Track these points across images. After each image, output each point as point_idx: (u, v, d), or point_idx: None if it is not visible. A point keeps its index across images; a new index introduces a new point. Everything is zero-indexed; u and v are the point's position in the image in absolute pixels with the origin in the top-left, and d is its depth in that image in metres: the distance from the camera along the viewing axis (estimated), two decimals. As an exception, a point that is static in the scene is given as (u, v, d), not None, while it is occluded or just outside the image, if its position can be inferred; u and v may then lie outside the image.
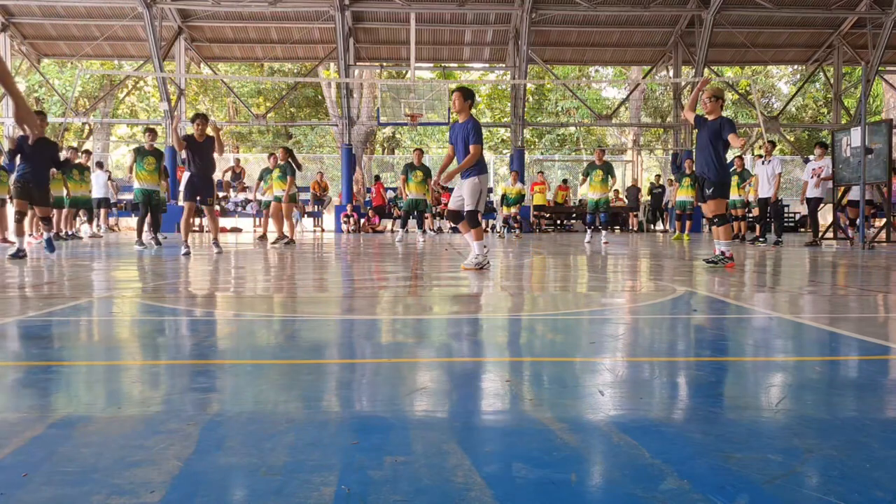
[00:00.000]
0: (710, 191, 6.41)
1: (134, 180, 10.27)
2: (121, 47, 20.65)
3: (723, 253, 6.36)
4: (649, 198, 20.42)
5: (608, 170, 11.58)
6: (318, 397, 1.81)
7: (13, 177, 7.59)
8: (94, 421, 1.57)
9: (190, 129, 12.04)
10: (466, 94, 5.95)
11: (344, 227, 19.05)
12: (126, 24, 18.58)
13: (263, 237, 11.47)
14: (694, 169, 14.21)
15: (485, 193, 6.13)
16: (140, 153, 10.14)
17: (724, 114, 6.44)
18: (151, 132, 10.38)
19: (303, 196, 19.96)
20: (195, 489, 1.16)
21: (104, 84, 25.92)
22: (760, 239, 11.80)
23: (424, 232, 13.78)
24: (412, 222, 13.55)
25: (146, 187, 10.05)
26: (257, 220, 18.56)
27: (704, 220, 18.91)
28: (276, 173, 11.29)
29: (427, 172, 12.84)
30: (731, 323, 3.19)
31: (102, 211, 15.19)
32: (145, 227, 10.09)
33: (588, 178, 11.79)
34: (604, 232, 11.75)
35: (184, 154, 8.24)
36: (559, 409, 1.66)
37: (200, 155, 8.24)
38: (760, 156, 12.86)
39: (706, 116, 6.45)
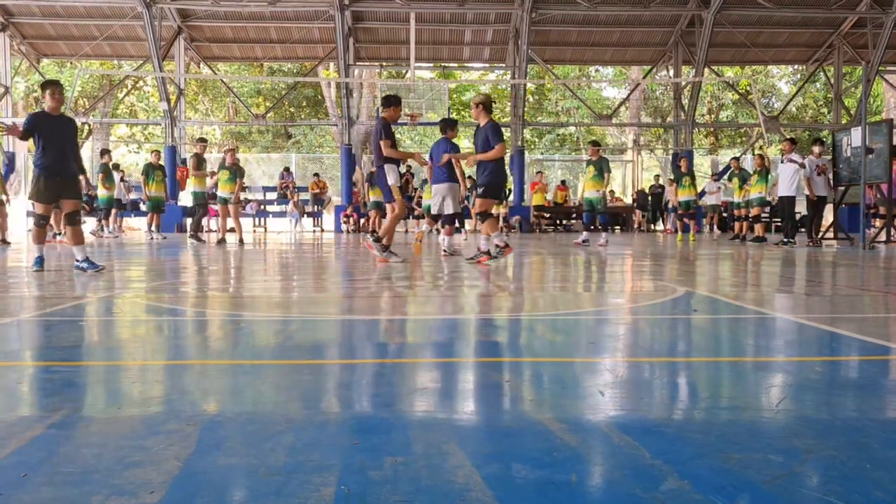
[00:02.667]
0: (480, 191, 6.87)
1: (190, 185, 12.27)
2: (120, 47, 20.63)
3: (486, 248, 6.79)
4: (650, 197, 20.44)
5: (600, 166, 10.84)
6: (317, 398, 1.81)
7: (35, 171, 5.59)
8: (94, 421, 1.57)
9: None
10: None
11: (344, 227, 19.05)
12: (125, 23, 18.56)
13: (223, 240, 11.16)
14: (690, 168, 14.15)
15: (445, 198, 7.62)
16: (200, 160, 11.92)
17: (494, 119, 6.86)
18: (203, 141, 12.39)
19: (302, 196, 19.98)
20: (195, 489, 1.15)
21: (104, 84, 25.90)
22: (787, 240, 10.90)
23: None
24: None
25: (198, 190, 11.92)
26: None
27: (705, 221, 18.90)
28: (226, 175, 11.20)
29: None
30: (731, 323, 3.19)
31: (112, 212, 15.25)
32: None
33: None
34: (603, 234, 11.24)
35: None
36: (559, 409, 1.66)
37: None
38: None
39: (479, 123, 6.81)
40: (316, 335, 2.90)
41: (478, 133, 6.76)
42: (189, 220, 16.53)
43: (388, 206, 7.23)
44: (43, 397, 1.84)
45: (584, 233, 11.30)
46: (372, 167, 15.17)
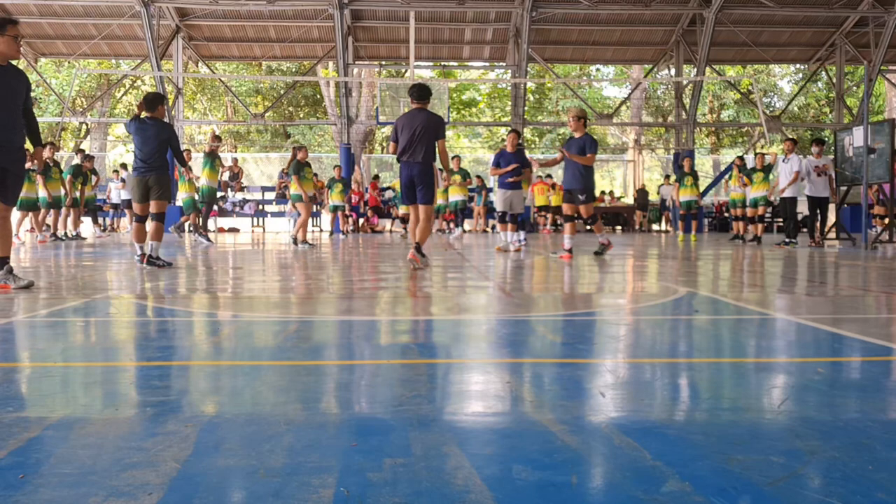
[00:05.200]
0: (583, 197, 7.87)
1: (202, 179, 11.84)
2: (118, 46, 20.60)
3: (604, 242, 7.90)
4: (658, 197, 20.43)
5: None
6: (316, 399, 1.80)
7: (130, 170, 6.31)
8: (91, 422, 1.56)
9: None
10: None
11: (342, 227, 19.02)
12: (123, 22, 18.53)
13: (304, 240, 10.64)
14: (693, 168, 14.13)
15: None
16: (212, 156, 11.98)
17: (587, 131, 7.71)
18: (217, 137, 12.73)
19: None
20: (193, 491, 1.15)
21: (101, 83, 25.87)
22: (788, 241, 10.75)
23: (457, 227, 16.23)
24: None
25: (209, 186, 11.83)
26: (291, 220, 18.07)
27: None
28: (310, 172, 10.66)
29: (464, 175, 16.22)
30: (733, 324, 3.18)
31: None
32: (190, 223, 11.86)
33: None
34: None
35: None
36: (560, 410, 1.65)
37: None
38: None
39: (573, 134, 7.74)
40: (314, 336, 2.89)
41: (572, 143, 7.66)
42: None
43: (426, 209, 6.30)
44: (41, 398, 1.83)
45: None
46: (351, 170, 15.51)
